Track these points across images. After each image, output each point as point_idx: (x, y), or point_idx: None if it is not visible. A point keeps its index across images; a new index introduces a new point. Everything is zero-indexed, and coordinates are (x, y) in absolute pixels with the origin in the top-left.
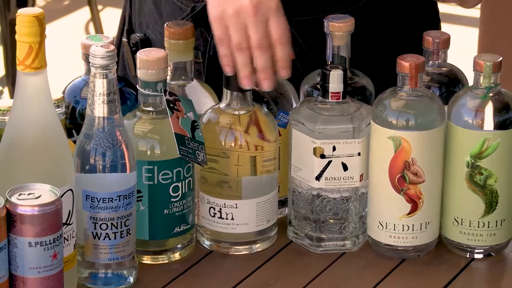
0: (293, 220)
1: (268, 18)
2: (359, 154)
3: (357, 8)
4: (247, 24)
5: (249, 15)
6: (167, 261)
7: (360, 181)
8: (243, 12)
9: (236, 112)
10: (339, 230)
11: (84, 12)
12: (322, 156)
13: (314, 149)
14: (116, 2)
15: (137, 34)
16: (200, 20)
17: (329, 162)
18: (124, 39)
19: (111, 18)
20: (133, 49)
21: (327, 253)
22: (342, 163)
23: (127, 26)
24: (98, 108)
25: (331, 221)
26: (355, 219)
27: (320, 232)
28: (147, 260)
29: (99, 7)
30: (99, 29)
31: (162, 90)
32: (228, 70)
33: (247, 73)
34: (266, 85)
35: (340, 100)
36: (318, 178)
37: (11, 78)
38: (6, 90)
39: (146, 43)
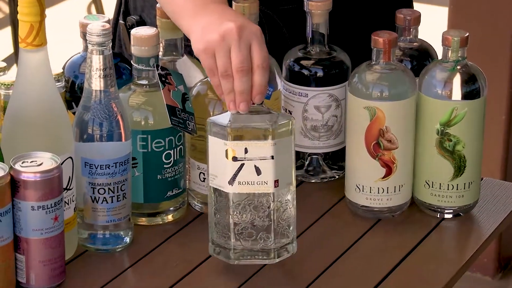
0: (214, 234)
1: (251, 42)
2: (272, 157)
3: None
4: (231, 47)
5: (234, 38)
6: (160, 223)
7: (275, 187)
8: (228, 35)
9: None
10: (256, 241)
11: None
12: (235, 159)
13: (226, 151)
14: None
15: (133, 17)
16: None
17: (242, 165)
18: (121, 21)
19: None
20: (129, 30)
21: (310, 214)
22: (255, 166)
23: (123, 8)
24: (95, 82)
25: (250, 230)
26: (273, 230)
27: (239, 242)
28: (142, 221)
29: None
30: (100, 10)
31: (155, 65)
32: (223, 98)
33: (233, 98)
34: (242, 108)
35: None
36: (231, 182)
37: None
38: (14, 67)
39: (141, 25)
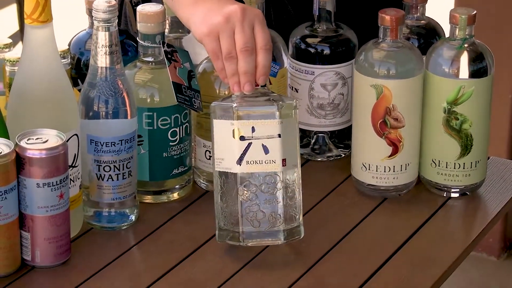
0: (221, 220)
1: (254, 24)
2: (279, 135)
3: None
4: (235, 28)
5: (238, 19)
6: (166, 201)
7: (283, 166)
8: (232, 16)
9: None
10: (264, 222)
11: None
12: (242, 138)
13: (233, 131)
14: None
15: None
16: None
17: (249, 144)
18: None
19: None
20: (135, 7)
21: (316, 193)
22: (263, 145)
23: None
24: (101, 59)
25: (258, 211)
26: (282, 211)
27: (248, 224)
28: (147, 199)
29: None
30: None
31: (161, 42)
32: (227, 82)
33: (237, 80)
34: (246, 88)
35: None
36: (239, 162)
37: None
38: (19, 44)
39: (147, 1)
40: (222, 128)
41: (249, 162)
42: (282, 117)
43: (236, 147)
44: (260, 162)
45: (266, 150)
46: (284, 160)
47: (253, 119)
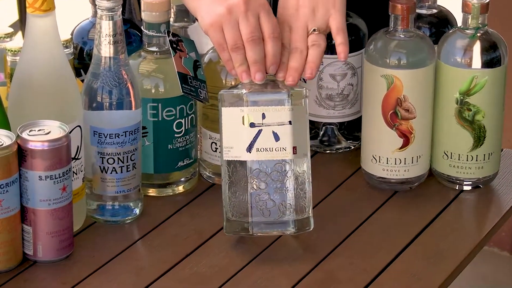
0: (229, 212)
1: (259, 13)
2: (290, 122)
3: None
4: (239, 19)
5: (240, 10)
6: (171, 194)
7: (294, 153)
8: (235, 8)
9: None
10: (274, 212)
11: None
12: (252, 125)
13: (243, 118)
14: None
15: None
16: None
17: (259, 131)
18: None
19: None
20: None
21: (325, 186)
22: (273, 132)
23: None
24: (105, 49)
25: (268, 200)
26: (292, 201)
27: (257, 214)
28: (152, 192)
29: None
30: None
31: (166, 31)
32: (234, 73)
33: (245, 68)
34: (257, 78)
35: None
36: (249, 149)
37: (24, 22)
38: (19, 34)
39: None
40: (231, 116)
41: (259, 150)
42: (293, 104)
43: (245, 134)
44: (271, 150)
45: (276, 137)
46: (294, 148)
47: (264, 106)
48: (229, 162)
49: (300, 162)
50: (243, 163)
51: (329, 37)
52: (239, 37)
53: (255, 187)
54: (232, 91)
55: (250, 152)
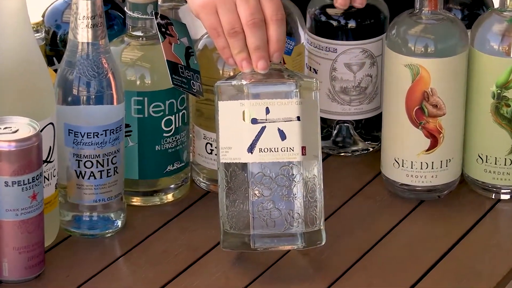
0: (227, 223)
1: None
2: (298, 118)
3: None
4: (237, 1)
5: None
6: (158, 203)
7: (303, 155)
8: None
9: None
10: (280, 223)
11: None
12: (254, 121)
13: (243, 113)
14: None
15: None
16: None
17: (263, 128)
18: None
19: None
20: None
21: (339, 194)
22: (279, 129)
23: None
24: (82, 33)
25: (272, 210)
26: (300, 210)
27: (260, 225)
28: (136, 202)
29: None
30: None
31: (153, 12)
32: (231, 63)
33: (245, 56)
34: (260, 66)
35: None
36: (250, 149)
37: None
38: None
39: None
40: (229, 111)
41: (262, 150)
42: (301, 97)
43: (246, 132)
44: (276, 150)
45: (282, 135)
46: (303, 148)
47: (267, 99)
48: (227, 166)
49: (310, 165)
50: (243, 167)
51: (342, 19)
52: (237, 20)
53: (257, 194)
54: (230, 83)
55: (251, 153)
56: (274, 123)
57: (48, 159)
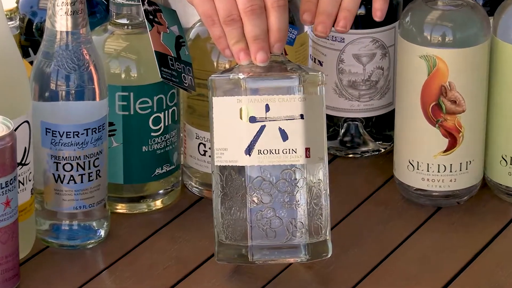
0: (223, 233)
1: None
2: (301, 116)
3: None
4: None
5: None
6: (146, 210)
7: (307, 157)
8: None
9: None
10: (281, 233)
11: None
12: (252, 120)
13: (241, 110)
14: None
15: None
16: None
17: (262, 127)
18: None
19: None
20: None
21: (347, 201)
22: (280, 129)
23: None
24: (60, 21)
25: (273, 218)
26: (304, 218)
27: (259, 235)
28: (121, 209)
29: None
30: None
31: None
32: (228, 54)
33: (243, 47)
34: (260, 58)
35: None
36: (248, 151)
37: None
38: None
39: None
40: (225, 108)
41: (261, 152)
42: (305, 92)
43: (244, 131)
44: (276, 152)
45: (284, 135)
46: (307, 150)
47: (267, 95)
48: (223, 169)
49: (315, 168)
50: (240, 170)
51: None
52: (234, 6)
53: (256, 201)
54: (226, 76)
55: (249, 155)
56: (274, 122)
57: (23, 162)
